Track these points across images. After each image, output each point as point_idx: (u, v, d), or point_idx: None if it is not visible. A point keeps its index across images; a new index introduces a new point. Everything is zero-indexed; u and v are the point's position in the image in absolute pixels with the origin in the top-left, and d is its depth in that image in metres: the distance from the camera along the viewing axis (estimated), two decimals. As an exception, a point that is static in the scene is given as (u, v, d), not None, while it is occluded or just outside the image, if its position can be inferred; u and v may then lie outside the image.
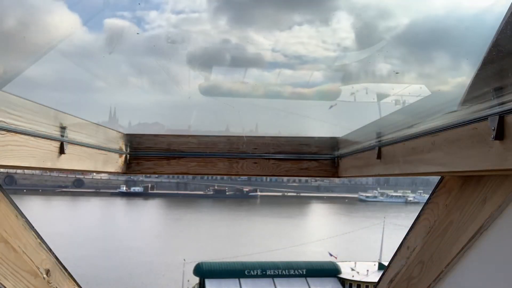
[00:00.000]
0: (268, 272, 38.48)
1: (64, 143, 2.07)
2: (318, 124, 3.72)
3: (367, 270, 41.05)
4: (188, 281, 39.80)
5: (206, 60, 3.41)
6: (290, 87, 3.72)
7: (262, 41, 3.33)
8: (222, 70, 3.65)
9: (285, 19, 3.27)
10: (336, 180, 3.57)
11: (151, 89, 3.83)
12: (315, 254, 51.10)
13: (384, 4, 3.02)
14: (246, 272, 38.39)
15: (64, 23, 2.65)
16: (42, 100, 1.90)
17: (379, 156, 2.35)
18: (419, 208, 2.31)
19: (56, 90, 3.20)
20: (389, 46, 3.10)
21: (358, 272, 40.80)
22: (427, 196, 2.34)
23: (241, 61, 3.46)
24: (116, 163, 3.00)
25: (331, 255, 46.90)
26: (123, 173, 3.20)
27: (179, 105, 3.82)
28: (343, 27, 3.07)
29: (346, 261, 43.68)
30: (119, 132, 3.09)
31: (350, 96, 3.39)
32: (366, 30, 3.16)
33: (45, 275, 2.35)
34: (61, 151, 2.06)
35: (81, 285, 2.90)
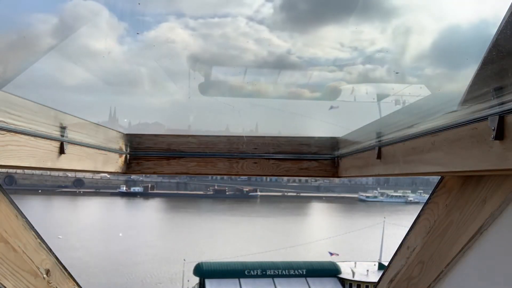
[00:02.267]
0: (268, 272, 38.47)
1: (64, 143, 2.06)
2: (318, 124, 3.73)
3: (367, 270, 41.04)
4: (188, 281, 39.80)
5: (206, 60, 3.41)
6: (292, 87, 3.73)
7: (268, 41, 3.33)
8: (222, 70, 3.65)
9: (303, 21, 3.26)
10: (336, 180, 3.57)
11: (151, 89, 3.83)
12: (315, 254, 51.12)
13: (383, 4, 3.02)
14: (246, 272, 38.38)
15: (64, 23, 2.65)
16: (42, 100, 1.90)
17: (379, 156, 2.35)
18: (419, 208, 2.31)
19: (56, 90, 3.20)
20: (389, 47, 3.10)
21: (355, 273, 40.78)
22: (427, 196, 2.34)
23: (242, 61, 3.47)
24: (116, 163, 3.00)
25: (331, 254, 46.84)
26: (123, 173, 3.20)
27: (179, 105, 3.82)
28: (356, 30, 3.07)
29: (346, 261, 43.67)
30: (119, 132, 3.08)
31: (350, 96, 3.40)
32: (366, 30, 3.16)
33: (45, 275, 2.35)
34: (61, 151, 2.05)
35: (81, 285, 2.90)
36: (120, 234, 62.20)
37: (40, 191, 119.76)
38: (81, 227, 71.46)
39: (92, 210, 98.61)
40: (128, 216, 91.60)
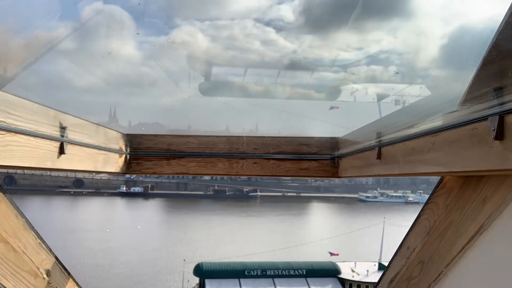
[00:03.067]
0: (268, 272, 38.47)
1: (64, 143, 2.06)
2: (318, 124, 3.72)
3: (367, 270, 41.03)
4: (188, 281, 39.78)
5: (206, 60, 3.41)
6: (291, 87, 3.72)
7: (268, 41, 3.33)
8: (222, 70, 3.65)
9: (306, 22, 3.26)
10: (336, 180, 3.57)
11: (151, 89, 3.83)
12: (315, 255, 51.16)
13: (387, 6, 3.02)
14: (246, 272, 38.37)
15: (64, 23, 2.65)
16: (42, 100, 1.90)
17: (379, 156, 2.35)
18: (419, 208, 2.31)
19: (57, 90, 3.20)
20: (391, 48, 3.10)
21: (358, 274, 40.76)
22: (427, 196, 2.34)
23: (242, 61, 3.46)
24: (116, 163, 3.00)
25: (331, 254, 46.80)
26: (123, 173, 3.20)
27: (179, 105, 3.82)
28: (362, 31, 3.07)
29: (346, 261, 43.65)
30: (119, 132, 3.09)
31: (351, 96, 3.40)
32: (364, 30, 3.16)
33: (45, 275, 2.35)
34: (61, 151, 2.05)
35: (81, 285, 2.90)
36: (139, 227, 76.46)
37: (72, 192, 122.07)
38: (112, 223, 79.05)
39: (102, 210, 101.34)
40: (132, 215, 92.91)
